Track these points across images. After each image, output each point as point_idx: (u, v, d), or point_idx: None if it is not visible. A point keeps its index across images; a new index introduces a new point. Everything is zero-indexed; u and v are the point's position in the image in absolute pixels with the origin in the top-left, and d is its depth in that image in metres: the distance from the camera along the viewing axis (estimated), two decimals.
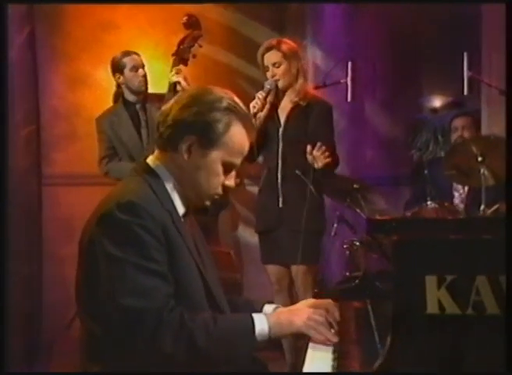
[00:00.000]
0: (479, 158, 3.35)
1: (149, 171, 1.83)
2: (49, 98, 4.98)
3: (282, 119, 3.69)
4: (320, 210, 3.67)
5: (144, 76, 4.17)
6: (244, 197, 4.84)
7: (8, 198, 4.33)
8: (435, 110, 5.21)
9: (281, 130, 3.68)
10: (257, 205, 3.81)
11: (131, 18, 5.00)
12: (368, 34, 5.05)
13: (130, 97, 4.20)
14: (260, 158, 3.83)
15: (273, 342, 1.74)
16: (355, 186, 3.78)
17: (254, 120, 3.55)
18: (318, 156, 3.40)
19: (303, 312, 1.78)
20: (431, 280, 1.34)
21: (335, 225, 3.92)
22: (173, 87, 3.92)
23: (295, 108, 3.67)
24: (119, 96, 4.26)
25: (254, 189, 4.29)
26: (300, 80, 3.67)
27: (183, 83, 3.88)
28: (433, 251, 1.38)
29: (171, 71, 3.94)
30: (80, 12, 4.97)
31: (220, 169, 1.81)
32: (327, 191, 3.79)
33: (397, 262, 1.39)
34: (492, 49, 4.21)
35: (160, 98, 3.91)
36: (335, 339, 1.73)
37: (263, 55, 3.68)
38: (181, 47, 3.96)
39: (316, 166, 3.43)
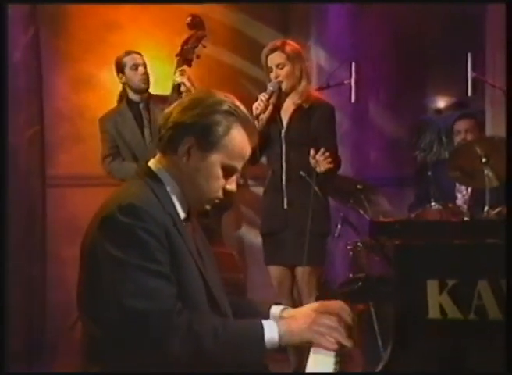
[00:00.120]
0: (483, 160, 3.33)
1: (150, 174, 1.83)
2: (53, 99, 4.99)
3: (285, 121, 3.69)
4: (325, 211, 3.67)
5: (144, 74, 4.20)
6: (248, 198, 4.84)
7: (8, 198, 4.35)
8: (439, 111, 5.20)
9: (283, 132, 3.68)
10: (263, 207, 3.81)
11: (135, 19, 5.00)
12: (372, 35, 5.04)
13: (134, 96, 4.25)
14: (264, 160, 3.83)
15: (284, 349, 1.72)
16: (358, 187, 3.78)
17: (256, 122, 3.55)
18: (320, 161, 3.41)
19: (314, 319, 1.74)
20: (432, 285, 1.33)
21: (338, 226, 3.92)
22: (177, 87, 3.93)
23: (297, 110, 3.67)
24: (123, 96, 4.30)
25: (258, 190, 4.29)
26: (304, 82, 3.67)
27: (187, 83, 3.89)
28: (435, 255, 1.38)
29: (175, 72, 3.95)
30: (84, 14, 4.98)
31: (220, 172, 1.80)
32: (330, 192, 3.79)
33: (399, 266, 1.38)
34: (497, 50, 4.20)
35: (164, 100, 3.94)
36: (349, 344, 1.68)
37: (267, 56, 3.67)
38: (185, 47, 3.97)
39: (318, 169, 3.43)
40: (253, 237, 4.74)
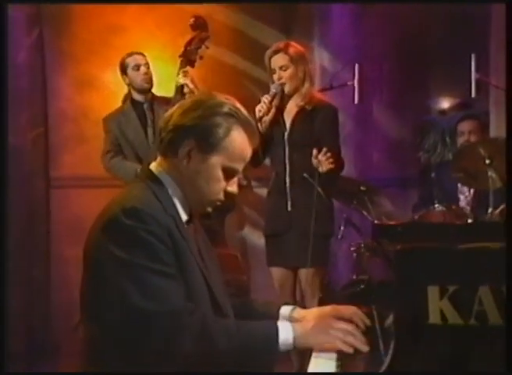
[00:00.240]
0: (487, 161, 3.32)
1: (152, 177, 1.83)
2: (57, 100, 5.00)
3: (288, 123, 3.69)
4: (329, 213, 3.66)
5: (146, 74, 4.24)
6: (252, 199, 4.84)
7: (12, 199, 4.36)
8: (443, 112, 5.18)
9: (286, 134, 3.67)
10: (266, 209, 3.81)
11: (138, 20, 5.01)
12: (376, 36, 5.03)
13: (137, 96, 4.29)
14: (267, 162, 3.83)
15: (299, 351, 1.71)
16: (362, 188, 3.77)
17: (259, 124, 3.55)
18: (322, 161, 3.41)
19: (330, 323, 1.72)
20: (433, 290, 1.33)
21: (342, 228, 3.92)
22: (180, 89, 3.94)
23: (300, 112, 3.66)
24: (127, 97, 4.34)
25: (262, 191, 4.29)
26: (307, 84, 3.66)
27: (190, 85, 3.90)
28: (435, 261, 1.37)
29: (178, 73, 3.95)
30: (88, 15, 4.99)
31: (220, 174, 1.80)
32: (333, 194, 3.78)
33: (400, 271, 1.38)
34: (501, 51, 4.18)
35: (168, 101, 3.95)
36: (365, 349, 1.66)
37: (270, 58, 3.67)
38: (188, 48, 3.98)
39: (320, 170, 3.43)
40: (256, 238, 4.74)
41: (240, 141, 1.80)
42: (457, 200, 4.01)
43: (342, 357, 1.67)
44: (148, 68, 4.27)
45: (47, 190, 4.90)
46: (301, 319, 1.87)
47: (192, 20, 4.00)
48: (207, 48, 4.01)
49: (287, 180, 3.63)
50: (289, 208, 3.62)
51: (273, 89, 3.62)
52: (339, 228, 3.89)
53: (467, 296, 1.33)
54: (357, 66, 3.72)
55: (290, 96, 3.68)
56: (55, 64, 4.97)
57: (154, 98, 4.29)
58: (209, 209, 1.86)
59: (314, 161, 3.44)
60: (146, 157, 3.97)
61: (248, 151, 1.83)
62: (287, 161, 3.64)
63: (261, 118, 3.55)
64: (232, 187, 1.84)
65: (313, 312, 1.90)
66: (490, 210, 3.27)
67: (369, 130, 5.09)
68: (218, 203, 1.85)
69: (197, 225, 1.95)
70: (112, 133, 4.24)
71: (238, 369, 1.65)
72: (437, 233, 1.98)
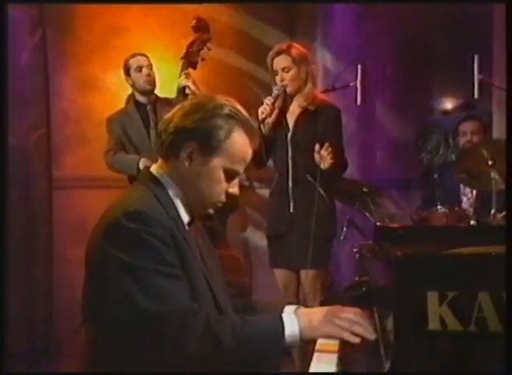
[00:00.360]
0: (490, 162, 3.32)
1: (153, 180, 1.83)
2: (59, 101, 5.00)
3: (291, 124, 3.68)
4: (331, 215, 3.66)
5: (149, 75, 4.24)
6: (254, 200, 4.83)
7: (14, 200, 4.37)
8: (446, 113, 5.17)
9: (289, 135, 3.67)
10: (268, 210, 3.81)
11: (141, 21, 5.01)
12: (378, 36, 5.02)
13: (140, 98, 4.31)
14: (270, 163, 3.83)
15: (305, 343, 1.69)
16: (364, 190, 3.77)
17: (262, 126, 3.55)
18: (324, 156, 3.41)
19: (335, 313, 1.71)
20: (432, 296, 1.33)
21: (344, 229, 3.91)
22: (182, 90, 3.94)
23: (303, 112, 3.66)
24: (131, 98, 4.36)
25: (264, 192, 4.29)
26: (309, 85, 3.66)
27: (192, 87, 3.90)
28: (435, 267, 1.37)
29: (180, 75, 3.96)
30: (90, 16, 4.99)
31: (222, 176, 1.80)
32: (336, 195, 3.78)
33: (399, 277, 1.38)
34: (503, 51, 4.17)
35: (171, 103, 3.95)
36: (373, 337, 1.65)
37: (273, 60, 3.67)
38: (190, 50, 3.98)
39: (322, 166, 3.43)
40: (258, 239, 4.74)
41: (240, 143, 1.80)
42: (460, 201, 4.00)
43: (342, 361, 1.67)
44: (151, 69, 4.28)
45: (49, 190, 4.90)
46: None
47: (194, 22, 4.01)
48: (209, 49, 4.01)
49: (290, 181, 3.63)
50: (292, 210, 3.62)
51: (276, 90, 3.62)
52: (342, 229, 3.88)
53: (466, 302, 1.32)
54: (359, 66, 3.72)
55: (293, 97, 3.68)
56: (57, 65, 4.97)
57: (157, 100, 4.30)
58: (211, 211, 1.87)
59: (317, 156, 3.44)
60: (148, 158, 3.97)
61: (249, 153, 1.83)
62: (290, 162, 3.64)
63: (263, 120, 3.55)
64: (234, 189, 1.85)
65: (318, 308, 1.90)
66: (493, 212, 3.26)
67: (372, 130, 5.08)
68: (220, 204, 1.85)
69: (198, 226, 1.96)
70: (115, 133, 4.26)
71: (245, 366, 1.65)
72: (438, 237, 1.99)
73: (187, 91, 3.91)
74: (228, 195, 1.84)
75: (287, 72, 3.63)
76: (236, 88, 4.75)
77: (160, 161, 1.86)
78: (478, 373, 1.35)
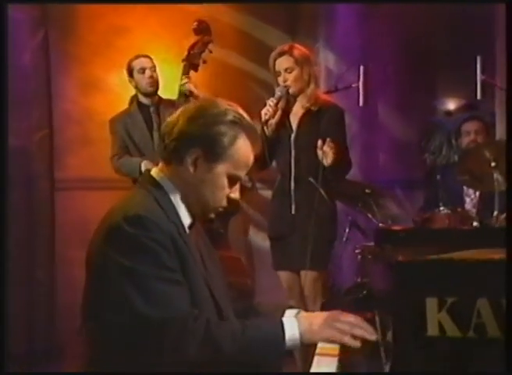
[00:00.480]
0: (492, 164, 3.31)
1: (154, 183, 1.83)
2: (62, 102, 5.00)
3: (294, 125, 3.68)
4: (332, 217, 3.65)
5: (151, 77, 4.24)
6: (256, 201, 4.83)
7: (16, 201, 4.37)
8: (449, 113, 5.16)
9: (293, 136, 3.66)
10: (270, 212, 3.80)
11: (143, 22, 5.01)
12: (381, 36, 5.01)
13: (143, 99, 4.31)
14: (273, 164, 3.82)
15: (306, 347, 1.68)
16: (367, 191, 3.75)
17: (265, 128, 3.55)
18: (327, 152, 3.40)
19: (336, 317, 1.70)
20: (431, 303, 1.32)
21: (347, 230, 3.90)
22: (184, 92, 3.93)
23: (307, 113, 3.65)
24: (134, 99, 4.36)
25: (267, 193, 4.28)
26: (312, 86, 3.65)
27: (194, 91, 3.90)
28: (434, 272, 1.36)
29: (181, 79, 3.95)
30: (93, 17, 4.99)
31: (225, 182, 1.80)
32: (338, 196, 3.77)
33: (398, 282, 1.37)
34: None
35: (174, 104, 3.95)
36: (374, 338, 1.64)
37: (275, 61, 3.66)
38: (191, 52, 3.97)
39: (325, 162, 3.42)
40: (260, 240, 4.73)
41: (244, 149, 1.81)
42: (463, 202, 3.99)
43: (342, 365, 1.66)
44: (154, 71, 4.27)
45: (51, 191, 4.91)
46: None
47: (195, 24, 4.00)
48: (210, 52, 4.00)
49: (292, 182, 3.62)
50: (293, 212, 3.61)
51: (278, 92, 3.61)
52: (345, 230, 3.87)
53: (465, 308, 1.32)
54: (361, 67, 3.71)
55: (296, 98, 3.67)
56: (59, 66, 4.97)
57: (160, 102, 4.29)
58: (212, 216, 1.87)
59: (319, 152, 3.44)
60: (151, 160, 3.97)
61: (251, 158, 1.84)
62: (293, 163, 3.63)
63: (266, 121, 3.55)
64: (235, 194, 1.85)
65: (318, 312, 1.90)
66: (495, 213, 3.25)
67: (375, 131, 5.07)
68: (221, 209, 1.85)
69: (198, 228, 1.95)
70: (118, 134, 4.26)
71: (245, 369, 1.65)
72: (440, 239, 1.98)
73: (189, 92, 3.91)
74: (229, 200, 1.84)
75: (290, 73, 3.62)
76: (237, 89, 4.75)
77: (161, 164, 1.86)
78: (478, 373, 1.34)
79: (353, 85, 3.70)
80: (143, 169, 3.94)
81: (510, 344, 1.28)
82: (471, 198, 4.02)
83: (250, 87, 4.99)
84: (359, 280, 3.66)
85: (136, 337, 1.64)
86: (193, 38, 4.01)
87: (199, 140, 1.77)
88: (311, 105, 3.64)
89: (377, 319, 1.82)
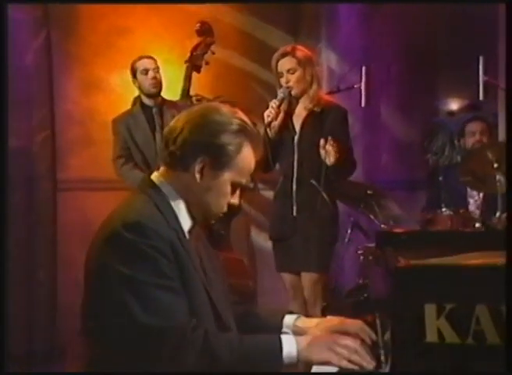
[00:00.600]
0: (495, 165, 3.30)
1: (154, 188, 1.81)
2: (64, 102, 5.00)
3: (297, 127, 3.66)
4: (333, 219, 3.63)
5: (154, 78, 4.22)
6: (258, 201, 4.82)
7: (17, 202, 4.37)
8: (451, 113, 5.15)
9: (296, 137, 3.64)
10: (272, 213, 3.79)
11: (145, 23, 5.00)
12: (383, 37, 5.00)
13: (146, 100, 4.30)
14: (276, 166, 3.81)
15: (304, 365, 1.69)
16: (369, 192, 3.76)
17: (268, 130, 3.54)
18: (329, 150, 3.39)
19: (335, 340, 1.69)
20: (430, 309, 1.31)
21: (349, 231, 3.90)
22: (186, 93, 3.93)
23: (310, 114, 3.64)
24: (137, 100, 4.35)
25: (269, 194, 4.27)
26: (314, 87, 3.64)
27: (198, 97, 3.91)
28: (433, 278, 1.36)
29: (184, 79, 3.94)
30: (95, 17, 4.98)
31: (229, 189, 1.81)
32: (341, 197, 3.76)
33: (397, 288, 1.36)
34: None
35: (176, 105, 3.95)
36: (371, 367, 1.63)
37: (277, 62, 3.65)
38: (194, 54, 3.98)
39: (328, 161, 3.41)
40: (262, 241, 4.72)
41: (249, 157, 1.81)
42: (467, 203, 3.98)
43: (342, 369, 1.65)
44: (157, 72, 4.25)
45: (53, 192, 4.91)
46: (306, 329, 1.86)
47: (198, 26, 4.00)
48: (213, 53, 4.01)
49: (294, 184, 3.61)
50: (295, 213, 3.60)
51: (281, 93, 3.60)
52: (347, 232, 3.87)
53: (464, 315, 1.31)
54: (364, 68, 3.70)
55: (298, 99, 3.66)
56: (61, 66, 4.96)
57: (163, 103, 4.28)
58: (212, 221, 1.89)
59: (322, 152, 3.42)
60: (154, 162, 3.97)
61: (253, 164, 1.84)
62: (296, 165, 3.61)
63: (269, 123, 3.54)
64: (234, 199, 1.85)
65: (318, 325, 1.87)
66: (498, 214, 3.25)
67: (377, 132, 5.06)
68: (221, 215, 1.86)
69: (198, 232, 1.94)
70: (120, 135, 4.25)
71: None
72: (442, 242, 1.97)
73: (191, 92, 3.91)
74: (228, 205, 1.84)
75: (292, 73, 3.61)
76: (240, 90, 4.74)
77: (162, 169, 1.84)
78: (478, 373, 1.34)
79: (356, 86, 3.70)
80: None
81: (509, 351, 1.27)
82: (474, 199, 4.01)
83: (252, 88, 4.98)
84: (361, 281, 3.67)
85: (134, 345, 1.63)
86: (195, 39, 4.01)
87: (205, 149, 1.77)
88: (313, 106, 3.63)
89: (378, 322, 1.81)
